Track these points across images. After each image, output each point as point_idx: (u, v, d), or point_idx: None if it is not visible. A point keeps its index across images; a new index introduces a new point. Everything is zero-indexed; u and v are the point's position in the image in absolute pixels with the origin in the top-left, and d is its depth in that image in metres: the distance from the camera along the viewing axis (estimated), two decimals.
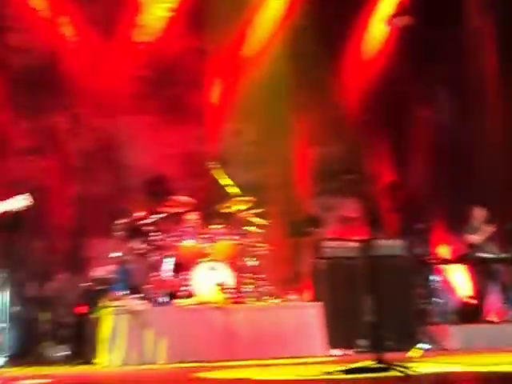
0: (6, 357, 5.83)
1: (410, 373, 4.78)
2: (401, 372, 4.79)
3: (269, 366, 6.58)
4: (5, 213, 6.11)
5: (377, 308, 5.28)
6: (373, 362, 4.96)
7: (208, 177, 9.75)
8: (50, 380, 6.10)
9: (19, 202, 6.01)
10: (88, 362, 8.08)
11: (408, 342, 8.18)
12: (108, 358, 7.62)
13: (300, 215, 10.48)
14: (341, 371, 4.97)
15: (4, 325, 8.94)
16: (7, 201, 6.01)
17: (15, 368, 7.11)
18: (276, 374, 5.73)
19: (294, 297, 8.88)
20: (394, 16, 9.93)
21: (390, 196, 10.58)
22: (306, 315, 8.31)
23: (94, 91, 10.47)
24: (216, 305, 7.96)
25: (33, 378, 6.36)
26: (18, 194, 6.11)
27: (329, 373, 5.03)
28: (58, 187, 10.33)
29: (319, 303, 8.38)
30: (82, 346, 8.74)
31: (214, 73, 10.98)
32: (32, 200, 6.06)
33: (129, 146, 10.51)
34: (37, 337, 9.36)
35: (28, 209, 6.22)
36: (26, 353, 8.72)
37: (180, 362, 7.52)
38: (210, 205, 9.28)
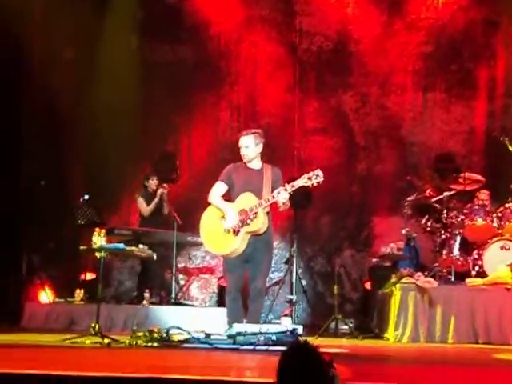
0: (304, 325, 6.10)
1: None
2: None
3: None
4: (299, 188, 6.35)
5: None
6: None
7: (498, 153, 9.36)
8: (345, 350, 6.31)
9: (313, 179, 6.21)
10: (376, 336, 8.19)
11: None
12: (396, 333, 7.66)
13: None
14: None
15: (293, 297, 9.39)
16: (302, 177, 6.24)
17: (307, 338, 7.38)
18: None
19: None
20: None
21: None
22: None
23: (381, 70, 10.54)
24: (508, 286, 7.64)
25: (327, 347, 6.61)
26: (311, 171, 6.30)
27: None
28: (344, 166, 10.58)
29: None
30: (368, 320, 8.90)
31: (503, 45, 10.46)
32: (322, 177, 6.23)
33: (415, 123, 10.43)
34: (324, 310, 9.73)
35: (318, 186, 6.41)
36: (313, 324, 9.06)
37: (470, 343, 7.35)
38: (501, 182, 8.91)
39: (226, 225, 6.27)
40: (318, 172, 6.21)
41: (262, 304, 6.59)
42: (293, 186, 6.19)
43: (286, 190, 6.18)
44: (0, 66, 9.70)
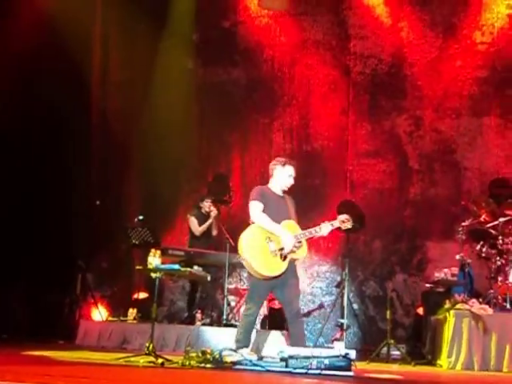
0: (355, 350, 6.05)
1: None
2: None
3: None
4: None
5: None
6: None
7: None
8: (399, 376, 6.24)
9: (346, 223, 6.52)
10: (428, 362, 8.09)
11: None
12: (449, 360, 7.54)
13: None
14: None
15: (344, 321, 9.34)
16: (339, 218, 6.52)
17: (358, 362, 7.33)
18: None
19: None
20: None
21: None
22: None
23: (435, 93, 10.49)
24: None
25: (380, 372, 6.56)
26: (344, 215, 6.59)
27: None
28: (396, 189, 10.52)
29: None
30: (421, 346, 8.80)
31: None
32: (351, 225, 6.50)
33: (470, 148, 10.31)
34: (375, 334, 9.65)
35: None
36: (364, 349, 8.98)
37: None
38: None
39: (273, 247, 6.30)
40: (350, 218, 6.53)
41: (303, 325, 6.62)
42: (332, 225, 6.46)
43: (332, 225, 6.45)
44: (58, 89, 9.93)
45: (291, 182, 6.58)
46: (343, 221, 6.49)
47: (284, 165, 6.58)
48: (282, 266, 6.27)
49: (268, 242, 6.30)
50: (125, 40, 11.10)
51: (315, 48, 11.00)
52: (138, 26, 10.84)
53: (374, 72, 10.78)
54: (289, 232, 6.32)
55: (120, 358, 6.23)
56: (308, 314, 10.16)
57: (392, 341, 8.43)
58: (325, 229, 6.41)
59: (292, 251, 6.29)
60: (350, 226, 6.53)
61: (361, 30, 10.82)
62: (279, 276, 6.29)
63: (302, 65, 11.05)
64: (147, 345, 6.34)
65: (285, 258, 6.28)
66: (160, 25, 11.07)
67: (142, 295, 9.49)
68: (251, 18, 11.31)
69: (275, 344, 7.44)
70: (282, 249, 6.28)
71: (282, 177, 6.57)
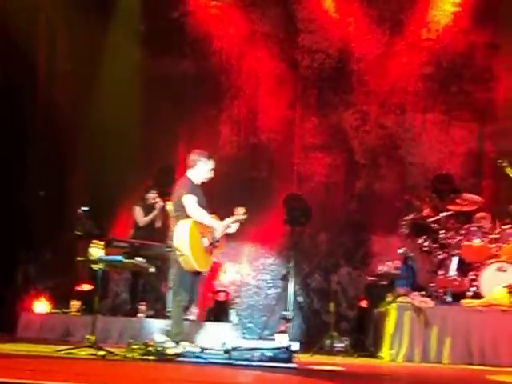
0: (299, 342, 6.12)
1: None
2: None
3: None
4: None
5: None
6: None
7: (496, 175, 9.38)
8: (341, 368, 6.31)
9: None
10: (371, 354, 8.19)
11: None
12: (391, 352, 7.65)
13: None
14: None
15: (289, 313, 9.38)
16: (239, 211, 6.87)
17: (302, 355, 7.39)
18: None
19: None
20: None
21: None
22: None
23: (381, 89, 10.59)
24: (504, 308, 7.63)
25: (323, 364, 6.62)
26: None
27: None
28: (342, 183, 10.61)
29: None
30: (364, 338, 8.90)
31: (503, 68, 10.47)
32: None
33: (414, 143, 10.45)
34: (319, 327, 9.71)
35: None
36: (308, 341, 9.03)
37: (464, 364, 7.34)
38: (499, 204, 8.93)
39: (206, 242, 6.59)
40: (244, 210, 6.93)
41: None
42: (234, 219, 6.85)
43: (234, 219, 6.83)
44: (4, 80, 9.73)
45: (212, 175, 6.83)
46: (242, 213, 6.85)
47: (208, 158, 6.81)
48: (211, 262, 6.70)
49: (202, 237, 6.46)
50: (71, 30, 10.88)
51: (263, 41, 10.97)
52: (85, 15, 10.65)
53: (321, 66, 10.81)
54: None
55: (61, 350, 6.16)
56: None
57: (335, 333, 8.51)
58: (228, 223, 6.76)
59: (217, 246, 6.70)
60: (243, 217, 6.84)
61: (309, 24, 10.81)
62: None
63: (251, 57, 11.01)
64: (88, 337, 6.27)
65: (212, 252, 6.62)
66: (108, 14, 10.91)
67: (86, 287, 9.37)
68: (200, 9, 11.21)
69: (217, 336, 7.51)
70: (211, 244, 6.59)
71: (205, 170, 6.80)
